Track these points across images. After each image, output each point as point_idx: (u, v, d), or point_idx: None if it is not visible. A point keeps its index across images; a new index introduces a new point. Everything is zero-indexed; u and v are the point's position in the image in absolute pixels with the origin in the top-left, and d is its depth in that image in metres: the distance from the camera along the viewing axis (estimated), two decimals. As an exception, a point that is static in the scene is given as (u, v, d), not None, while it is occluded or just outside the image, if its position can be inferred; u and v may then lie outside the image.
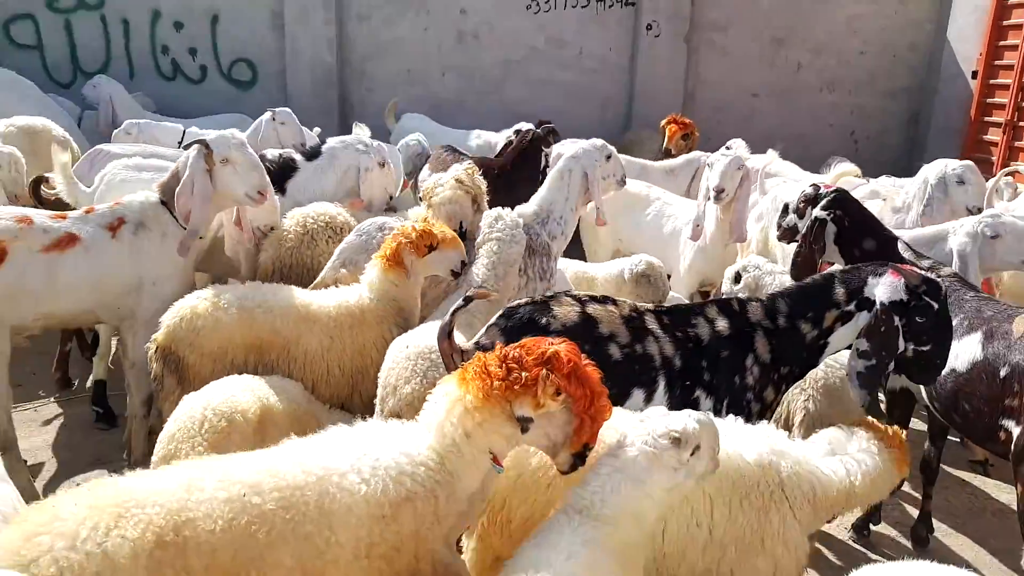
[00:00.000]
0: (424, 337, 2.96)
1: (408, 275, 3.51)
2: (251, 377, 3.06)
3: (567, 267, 4.87)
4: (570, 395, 2.07)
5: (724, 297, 3.36)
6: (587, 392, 2.09)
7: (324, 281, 3.86)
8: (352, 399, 3.45)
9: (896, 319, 2.78)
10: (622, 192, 5.90)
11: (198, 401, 2.79)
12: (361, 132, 6.57)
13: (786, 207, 4.39)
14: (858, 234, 4.01)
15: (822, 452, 2.61)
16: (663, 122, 8.29)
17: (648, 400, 2.77)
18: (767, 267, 4.38)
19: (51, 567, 1.62)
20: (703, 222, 5.35)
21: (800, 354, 2.90)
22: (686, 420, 2.14)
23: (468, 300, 2.70)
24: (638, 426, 2.19)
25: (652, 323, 2.88)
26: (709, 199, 5.19)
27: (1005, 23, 8.95)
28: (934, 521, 3.86)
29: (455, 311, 2.60)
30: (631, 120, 9.99)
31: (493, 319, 2.79)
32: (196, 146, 3.79)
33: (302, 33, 9.04)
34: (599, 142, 4.52)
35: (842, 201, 4.01)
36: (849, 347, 2.89)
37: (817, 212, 4.01)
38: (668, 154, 8.06)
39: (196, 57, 9.17)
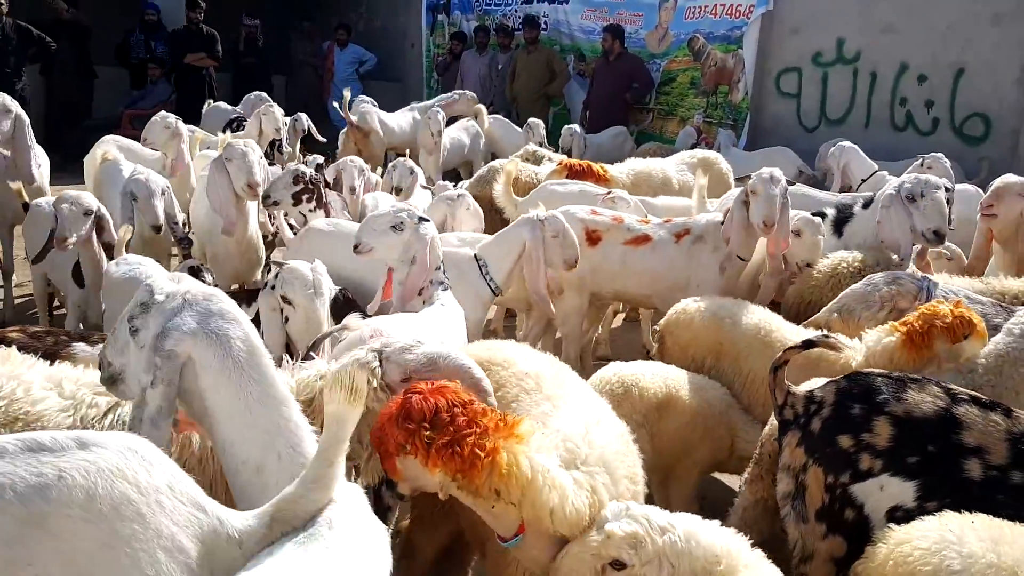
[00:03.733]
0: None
1: (923, 361, 3.12)
2: (674, 368, 3.65)
3: None
4: None
5: None
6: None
7: (815, 322, 4.03)
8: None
9: None
10: None
11: (618, 368, 3.54)
12: None
13: None
14: None
15: None
16: None
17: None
18: None
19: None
20: None
21: None
22: None
23: (808, 344, 2.75)
24: None
25: None
26: None
27: None
28: None
29: (789, 348, 2.72)
30: None
31: (838, 378, 2.74)
32: (742, 184, 4.45)
33: (1051, 88, 8.20)
34: None
35: None
36: None
37: None
38: None
39: (931, 110, 9.22)
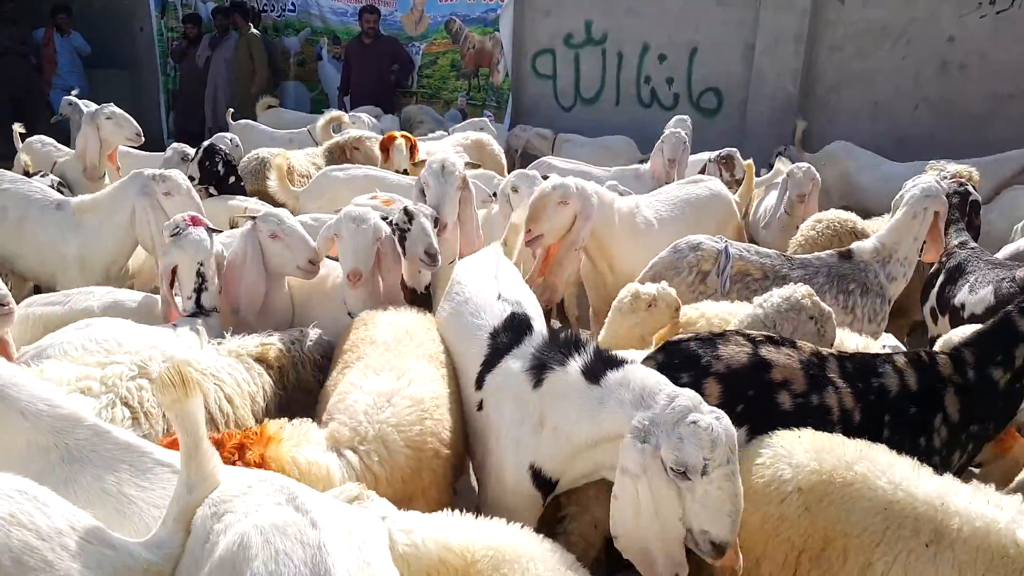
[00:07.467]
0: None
1: None
2: None
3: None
4: None
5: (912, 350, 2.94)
6: None
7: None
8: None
9: None
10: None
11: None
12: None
13: None
14: None
15: None
16: None
17: (821, 456, 2.64)
18: None
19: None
20: None
21: (995, 405, 2.59)
22: None
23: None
24: None
25: (834, 371, 2.69)
26: None
27: None
28: None
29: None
30: None
31: (650, 351, 2.86)
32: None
33: (769, 63, 9.27)
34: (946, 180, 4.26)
35: None
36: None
37: None
38: None
39: (672, 86, 10.08)
